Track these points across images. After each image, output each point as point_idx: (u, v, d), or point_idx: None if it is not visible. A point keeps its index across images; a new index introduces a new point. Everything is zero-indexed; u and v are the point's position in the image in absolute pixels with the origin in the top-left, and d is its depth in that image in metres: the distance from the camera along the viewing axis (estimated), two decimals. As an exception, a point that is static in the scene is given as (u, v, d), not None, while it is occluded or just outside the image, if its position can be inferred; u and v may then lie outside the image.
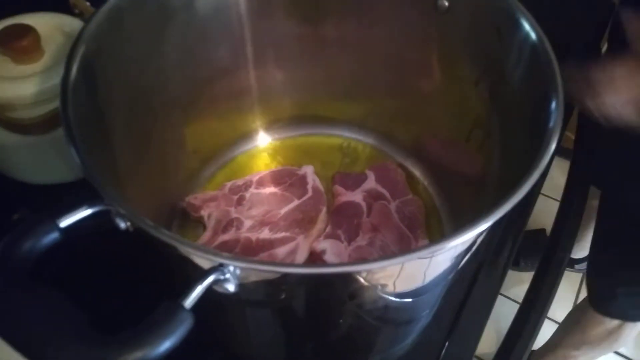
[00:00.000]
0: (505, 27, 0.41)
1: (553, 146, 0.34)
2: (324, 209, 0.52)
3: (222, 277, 0.28)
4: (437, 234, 0.52)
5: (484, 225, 0.30)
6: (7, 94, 0.46)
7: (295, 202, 0.53)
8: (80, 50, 0.37)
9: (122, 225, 0.32)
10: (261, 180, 0.54)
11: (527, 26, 0.39)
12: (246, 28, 0.48)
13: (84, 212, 0.31)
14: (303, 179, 0.54)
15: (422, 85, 0.51)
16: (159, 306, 0.27)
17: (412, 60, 0.51)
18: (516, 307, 0.59)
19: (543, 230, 1.35)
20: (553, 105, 0.36)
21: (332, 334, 0.42)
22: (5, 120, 0.46)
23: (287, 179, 0.54)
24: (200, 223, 0.52)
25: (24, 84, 0.46)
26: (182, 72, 0.47)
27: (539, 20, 0.39)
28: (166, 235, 0.28)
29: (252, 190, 0.54)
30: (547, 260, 0.62)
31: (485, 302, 0.52)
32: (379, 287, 0.33)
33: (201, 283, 0.28)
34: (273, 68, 0.52)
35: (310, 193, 0.53)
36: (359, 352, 0.47)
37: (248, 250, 0.50)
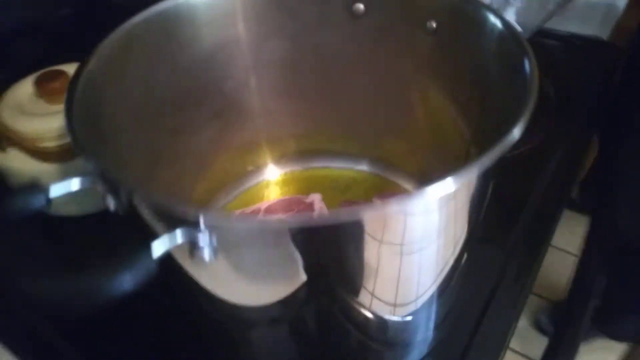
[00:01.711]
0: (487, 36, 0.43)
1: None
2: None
3: (194, 235, 0.28)
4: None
5: (449, 182, 0.29)
6: (36, 127, 0.51)
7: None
8: (85, 74, 0.40)
9: (110, 204, 0.34)
10: (269, 208, 0.56)
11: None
12: (249, 59, 0.52)
13: (73, 185, 0.34)
14: (310, 207, 0.55)
15: (420, 115, 0.53)
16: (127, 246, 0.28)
17: (410, 93, 0.53)
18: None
19: None
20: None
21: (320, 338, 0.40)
22: (35, 149, 0.51)
23: (294, 206, 0.55)
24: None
25: (51, 119, 0.51)
26: (193, 103, 0.50)
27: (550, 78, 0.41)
28: (142, 192, 0.30)
29: (260, 217, 0.55)
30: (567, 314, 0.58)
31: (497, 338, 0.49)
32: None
33: (175, 231, 0.28)
34: (276, 101, 0.55)
35: (317, 219, 0.54)
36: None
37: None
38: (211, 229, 0.28)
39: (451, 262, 0.38)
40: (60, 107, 0.52)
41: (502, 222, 0.57)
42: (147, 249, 0.28)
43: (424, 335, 0.45)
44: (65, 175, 0.52)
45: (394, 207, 0.29)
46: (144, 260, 0.27)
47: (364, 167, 0.59)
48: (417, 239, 0.33)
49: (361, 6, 0.49)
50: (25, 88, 0.54)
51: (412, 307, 0.39)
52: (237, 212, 0.55)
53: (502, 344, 0.48)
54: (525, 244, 0.56)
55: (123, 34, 0.43)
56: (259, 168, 0.59)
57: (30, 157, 0.51)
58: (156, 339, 0.48)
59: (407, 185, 0.58)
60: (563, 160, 0.64)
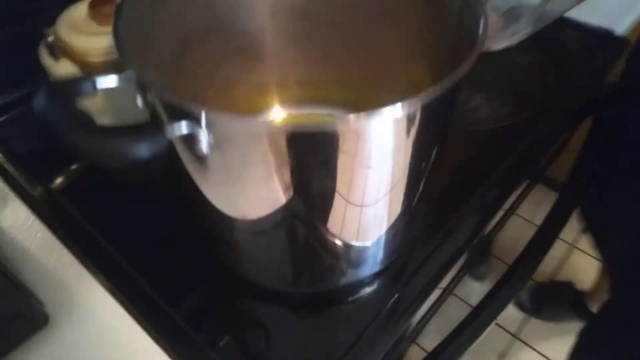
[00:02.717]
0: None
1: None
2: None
3: (196, 130, 0.37)
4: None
5: (397, 108, 0.35)
6: (86, 44, 0.60)
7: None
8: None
9: (139, 102, 0.43)
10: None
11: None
12: (268, 4, 0.60)
13: (117, 80, 0.42)
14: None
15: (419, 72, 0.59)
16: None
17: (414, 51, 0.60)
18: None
19: (569, 283, 1.34)
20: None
21: (293, 230, 0.47)
22: (82, 62, 0.61)
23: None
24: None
25: (100, 38, 0.61)
26: (216, 39, 0.58)
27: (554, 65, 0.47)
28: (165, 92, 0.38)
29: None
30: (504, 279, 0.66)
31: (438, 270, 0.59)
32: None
33: (180, 122, 0.36)
34: (288, 47, 0.63)
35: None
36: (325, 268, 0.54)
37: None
38: (210, 125, 0.36)
39: (402, 185, 0.46)
40: (108, 29, 0.62)
41: (462, 187, 0.66)
42: (161, 130, 0.37)
43: (374, 251, 0.54)
44: (111, 93, 0.63)
45: (356, 122, 0.36)
46: (159, 137, 0.37)
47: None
48: (374, 155, 0.40)
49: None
50: (81, 9, 0.64)
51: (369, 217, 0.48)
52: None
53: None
54: (481, 206, 0.64)
55: None
56: (266, 108, 0.68)
57: (78, 68, 0.61)
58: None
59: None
60: (536, 140, 0.71)
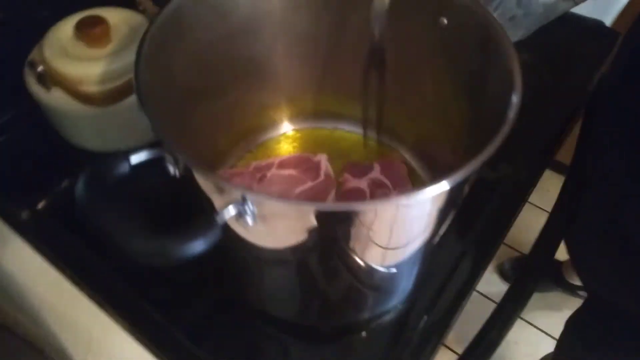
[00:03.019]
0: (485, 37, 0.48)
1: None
2: (333, 192, 0.61)
3: (242, 208, 0.36)
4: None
5: (444, 185, 0.35)
6: (79, 72, 0.56)
7: (309, 184, 0.61)
8: (148, 38, 0.46)
9: (172, 170, 0.40)
10: (282, 163, 0.63)
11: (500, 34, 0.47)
12: (277, 28, 0.56)
13: (149, 153, 0.40)
14: (317, 165, 0.63)
15: (423, 91, 0.59)
16: (200, 220, 0.35)
17: (417, 70, 0.59)
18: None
19: None
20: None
21: (326, 282, 0.49)
22: (76, 92, 0.56)
23: (304, 164, 0.63)
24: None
25: (94, 64, 0.56)
26: (227, 61, 0.56)
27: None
28: (212, 174, 0.36)
29: (274, 170, 0.63)
30: (527, 267, 0.68)
31: (463, 288, 0.59)
32: (366, 229, 0.39)
33: (229, 206, 0.35)
34: (297, 66, 0.61)
35: (322, 177, 0.62)
36: (350, 307, 0.55)
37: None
38: (254, 204, 0.36)
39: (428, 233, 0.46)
40: (101, 52, 0.57)
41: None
42: (214, 220, 0.35)
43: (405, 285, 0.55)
44: (106, 119, 0.58)
45: (386, 204, 0.37)
46: (213, 230, 0.35)
47: (369, 132, 0.66)
48: (407, 224, 0.42)
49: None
50: (66, 29, 0.58)
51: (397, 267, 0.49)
52: (253, 163, 0.63)
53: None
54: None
55: (176, 6, 0.48)
56: (275, 123, 0.66)
57: (72, 98, 0.56)
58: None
59: (403, 151, 0.66)
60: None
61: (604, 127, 0.68)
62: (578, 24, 0.86)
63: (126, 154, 0.39)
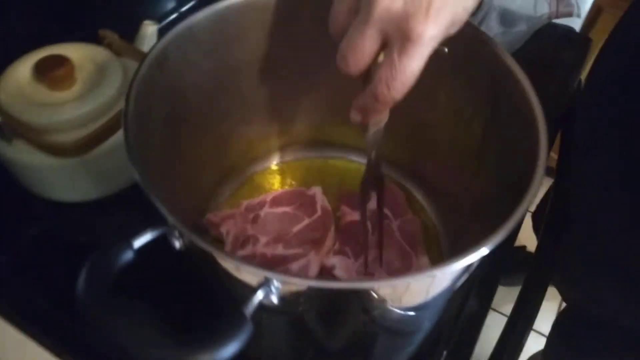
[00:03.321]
0: (496, 74, 0.46)
1: (539, 179, 0.38)
2: (332, 227, 0.57)
3: (270, 290, 0.33)
4: (435, 250, 0.57)
5: (484, 251, 0.34)
6: (43, 120, 0.49)
7: (306, 221, 0.57)
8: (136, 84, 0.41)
9: (177, 245, 0.36)
10: (275, 200, 0.59)
11: (514, 71, 0.45)
12: (262, 62, 0.52)
13: (152, 234, 0.35)
14: (312, 199, 0.59)
15: (423, 116, 0.56)
16: (225, 313, 0.31)
17: (417, 93, 0.56)
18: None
19: (524, 247, 1.42)
20: (540, 139, 0.41)
21: (342, 342, 0.46)
22: (42, 143, 0.49)
23: (298, 199, 0.59)
24: (218, 239, 0.56)
25: (59, 110, 0.50)
26: (213, 97, 0.51)
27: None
28: (228, 256, 0.32)
29: (267, 209, 0.58)
30: (531, 277, 0.66)
31: (477, 316, 0.57)
32: (390, 301, 0.38)
33: (256, 294, 0.32)
34: (287, 98, 0.57)
35: (319, 212, 0.58)
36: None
37: (264, 265, 0.54)
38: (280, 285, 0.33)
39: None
40: (66, 96, 0.51)
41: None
42: (243, 315, 0.31)
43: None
44: (78, 170, 0.52)
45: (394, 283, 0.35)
46: (244, 326, 0.31)
47: (363, 159, 0.63)
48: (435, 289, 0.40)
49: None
50: (23, 71, 0.51)
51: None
52: (245, 203, 0.58)
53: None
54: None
55: (162, 47, 0.44)
56: (264, 156, 0.62)
57: (38, 150, 0.50)
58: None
59: (402, 180, 0.63)
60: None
61: (587, 133, 0.67)
62: (549, 33, 0.85)
63: (128, 239, 0.34)
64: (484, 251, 0.34)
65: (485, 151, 0.51)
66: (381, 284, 0.35)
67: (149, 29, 0.56)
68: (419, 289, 0.39)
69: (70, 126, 0.50)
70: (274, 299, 0.34)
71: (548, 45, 0.80)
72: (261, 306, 0.33)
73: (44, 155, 0.50)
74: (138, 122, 0.40)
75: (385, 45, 0.33)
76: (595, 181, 0.61)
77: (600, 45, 0.65)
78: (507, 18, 0.69)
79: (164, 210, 0.34)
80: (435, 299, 0.43)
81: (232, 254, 0.33)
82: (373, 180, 0.48)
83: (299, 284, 0.34)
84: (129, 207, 0.58)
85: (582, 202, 0.65)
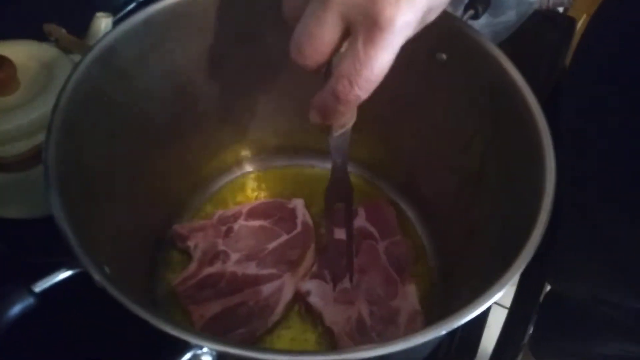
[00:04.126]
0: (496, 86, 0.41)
1: (547, 211, 0.35)
2: (312, 246, 0.52)
3: (200, 352, 0.29)
4: (424, 276, 0.52)
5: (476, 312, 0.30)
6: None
7: (284, 237, 0.52)
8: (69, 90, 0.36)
9: (99, 280, 0.31)
10: (251, 212, 0.53)
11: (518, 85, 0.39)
12: (231, 57, 0.46)
13: (61, 275, 0.31)
14: (292, 213, 0.53)
15: (419, 130, 0.50)
16: None
17: (408, 101, 0.50)
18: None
19: None
20: (547, 167, 0.36)
21: None
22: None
23: (277, 211, 0.53)
24: (186, 253, 0.52)
25: (0, 119, 0.44)
26: (171, 105, 0.46)
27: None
28: (150, 316, 0.28)
29: (241, 222, 0.53)
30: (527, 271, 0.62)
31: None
32: None
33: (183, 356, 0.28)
34: (261, 100, 0.51)
35: (299, 228, 0.52)
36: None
37: (233, 285, 0.49)
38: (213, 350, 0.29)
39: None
40: (8, 102, 0.46)
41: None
42: None
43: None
44: (25, 186, 0.47)
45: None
46: None
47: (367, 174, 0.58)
48: None
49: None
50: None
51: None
52: (218, 213, 0.53)
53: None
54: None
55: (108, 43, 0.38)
56: (237, 163, 0.57)
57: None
58: None
59: (392, 194, 0.57)
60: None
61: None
62: (532, 14, 0.77)
63: (26, 282, 0.29)
64: (476, 312, 0.31)
65: (486, 174, 0.45)
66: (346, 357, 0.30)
67: (103, 22, 0.49)
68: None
69: (14, 137, 0.44)
70: None
71: (532, 27, 0.72)
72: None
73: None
74: (74, 131, 0.36)
75: (348, 33, 0.27)
76: (585, 167, 0.56)
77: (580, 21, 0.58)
78: (495, 4, 0.62)
79: (77, 250, 0.29)
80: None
81: (155, 316, 0.28)
82: (339, 191, 0.42)
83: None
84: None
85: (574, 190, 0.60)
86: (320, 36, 0.27)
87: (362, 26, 0.26)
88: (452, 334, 0.49)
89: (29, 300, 0.29)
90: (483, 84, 0.42)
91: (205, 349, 0.29)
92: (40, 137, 0.45)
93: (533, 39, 0.71)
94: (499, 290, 0.31)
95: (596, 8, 0.55)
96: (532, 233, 0.34)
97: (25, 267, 0.46)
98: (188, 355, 0.28)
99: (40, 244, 0.51)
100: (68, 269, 0.31)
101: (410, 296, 0.50)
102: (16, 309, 0.29)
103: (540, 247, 0.59)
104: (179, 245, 0.52)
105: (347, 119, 0.34)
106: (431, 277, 0.52)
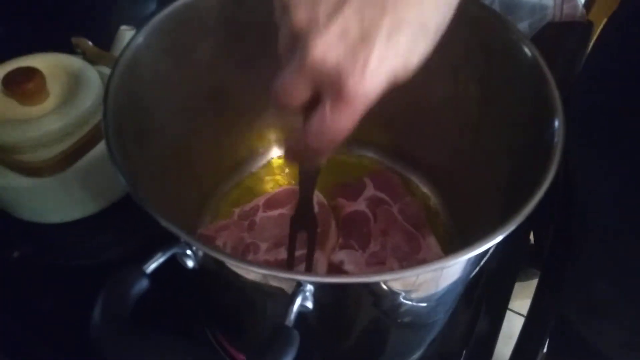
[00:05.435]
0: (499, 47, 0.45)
1: (557, 161, 0.36)
2: (333, 222, 0.55)
3: (305, 296, 0.31)
4: (440, 229, 0.56)
5: (498, 237, 0.32)
6: (14, 137, 0.45)
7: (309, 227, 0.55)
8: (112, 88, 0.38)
9: (190, 264, 0.33)
10: (268, 203, 0.56)
11: (523, 47, 0.42)
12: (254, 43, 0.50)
13: (164, 256, 0.32)
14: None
15: (423, 96, 0.53)
16: (269, 330, 0.29)
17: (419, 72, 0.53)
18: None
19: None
20: (556, 124, 0.38)
21: (357, 339, 0.44)
22: (13, 163, 0.45)
23: (292, 198, 0.56)
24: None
25: (31, 126, 0.46)
26: (196, 97, 0.49)
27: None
28: (258, 266, 0.30)
29: (261, 214, 0.55)
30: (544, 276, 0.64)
31: (496, 313, 0.56)
32: (403, 292, 0.36)
33: (294, 302, 0.30)
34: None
35: (316, 208, 0.55)
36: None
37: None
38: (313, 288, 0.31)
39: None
40: (38, 110, 0.47)
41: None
42: (288, 329, 0.30)
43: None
44: (54, 190, 0.47)
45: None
46: (292, 341, 0.29)
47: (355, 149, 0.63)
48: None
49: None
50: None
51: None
52: (236, 211, 0.56)
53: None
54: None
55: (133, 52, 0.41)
56: (264, 149, 0.61)
57: (9, 170, 0.45)
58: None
59: (387, 161, 0.62)
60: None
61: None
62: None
63: (139, 266, 0.31)
64: (499, 238, 0.32)
65: (483, 119, 0.49)
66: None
67: (127, 35, 0.52)
68: (429, 280, 0.37)
69: (44, 143, 0.46)
70: (309, 304, 0.31)
71: (550, 31, 0.76)
72: (299, 314, 0.30)
73: (15, 175, 0.45)
74: (118, 134, 0.37)
75: (319, 93, 0.30)
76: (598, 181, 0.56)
77: (599, 25, 0.63)
78: (508, 10, 0.69)
79: (173, 228, 0.31)
80: (449, 288, 0.41)
81: (261, 263, 0.30)
82: (305, 218, 0.46)
83: (343, 282, 0.32)
84: (111, 226, 0.54)
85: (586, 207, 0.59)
86: (291, 94, 0.30)
87: (329, 94, 0.28)
88: (468, 334, 0.53)
89: (144, 283, 0.30)
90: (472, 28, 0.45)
91: (308, 288, 0.31)
92: (68, 143, 0.46)
93: (550, 42, 0.74)
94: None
95: (612, 12, 0.57)
96: (542, 182, 0.34)
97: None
98: (299, 297, 0.30)
99: (69, 247, 0.51)
100: (169, 249, 0.32)
101: (433, 247, 0.54)
102: (136, 291, 0.30)
103: (554, 252, 0.62)
104: (207, 247, 0.53)
105: (318, 162, 0.37)
106: (446, 228, 0.56)
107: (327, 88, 0.28)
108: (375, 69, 0.27)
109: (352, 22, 0.27)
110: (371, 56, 0.27)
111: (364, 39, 0.27)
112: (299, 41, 0.28)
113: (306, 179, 0.40)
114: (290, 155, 0.34)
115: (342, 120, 0.29)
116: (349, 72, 0.27)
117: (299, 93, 0.30)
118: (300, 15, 0.28)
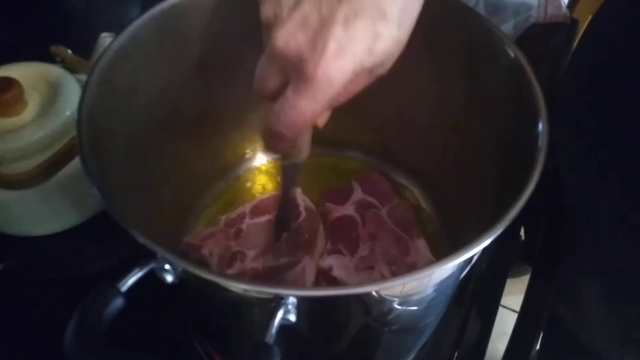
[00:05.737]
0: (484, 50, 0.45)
1: (541, 162, 0.35)
2: (321, 227, 0.54)
3: (287, 310, 0.30)
4: (430, 231, 0.56)
5: (487, 241, 0.32)
6: (-5, 148, 0.44)
7: (293, 225, 0.54)
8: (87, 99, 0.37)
9: (169, 278, 0.32)
10: (254, 210, 0.55)
11: (506, 49, 0.42)
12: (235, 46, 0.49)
13: (139, 273, 0.31)
14: (294, 202, 0.56)
15: (410, 99, 0.54)
16: (250, 345, 0.28)
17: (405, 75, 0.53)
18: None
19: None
20: (540, 125, 0.38)
21: (345, 349, 0.43)
22: (-6, 176, 0.44)
23: (278, 204, 0.56)
24: (202, 263, 0.52)
25: (10, 138, 0.45)
26: (181, 105, 0.48)
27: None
28: (237, 281, 0.30)
29: (248, 221, 0.54)
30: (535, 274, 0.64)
31: (486, 314, 0.55)
32: (392, 299, 0.36)
33: (275, 317, 0.29)
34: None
35: (304, 214, 0.55)
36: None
37: (258, 280, 0.50)
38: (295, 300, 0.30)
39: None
40: (17, 121, 0.46)
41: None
42: (267, 346, 0.29)
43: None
44: (34, 202, 0.47)
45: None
46: (271, 352, 0.29)
47: (344, 151, 0.62)
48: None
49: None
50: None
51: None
52: (222, 218, 0.55)
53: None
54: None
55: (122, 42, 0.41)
56: (250, 155, 0.61)
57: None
58: None
59: (375, 163, 0.61)
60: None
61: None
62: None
63: (112, 284, 0.30)
64: (487, 241, 0.32)
65: (469, 121, 0.49)
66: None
67: (107, 42, 0.51)
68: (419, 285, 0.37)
69: (23, 154, 0.45)
70: (292, 317, 0.31)
71: (534, 31, 0.76)
72: (281, 328, 0.30)
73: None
74: (93, 145, 0.36)
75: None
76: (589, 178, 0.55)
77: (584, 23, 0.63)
78: (492, 17, 0.68)
79: (149, 243, 0.30)
80: (439, 291, 0.41)
81: (239, 278, 0.30)
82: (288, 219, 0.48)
83: (325, 294, 0.31)
84: (96, 236, 0.53)
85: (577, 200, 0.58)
86: (264, 81, 0.33)
87: (293, 78, 0.30)
88: (459, 336, 0.52)
89: (120, 300, 0.30)
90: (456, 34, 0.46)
91: (290, 300, 0.30)
92: (48, 153, 0.46)
93: (535, 41, 0.74)
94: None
95: (597, 9, 0.56)
96: (529, 179, 0.34)
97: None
98: (280, 311, 0.30)
99: (55, 259, 0.50)
100: (145, 265, 0.31)
101: (422, 249, 0.53)
102: (111, 310, 0.29)
103: (546, 245, 0.62)
104: (193, 257, 0.52)
105: (295, 152, 0.39)
106: (435, 229, 0.56)
107: (291, 73, 0.30)
108: (334, 53, 0.28)
109: (312, 13, 0.29)
110: (329, 41, 0.28)
111: (322, 26, 0.28)
112: (268, 33, 0.31)
113: (286, 175, 0.42)
114: (264, 144, 0.35)
115: (302, 103, 0.30)
116: (309, 56, 0.29)
117: (270, 79, 0.32)
118: (267, 10, 0.31)
